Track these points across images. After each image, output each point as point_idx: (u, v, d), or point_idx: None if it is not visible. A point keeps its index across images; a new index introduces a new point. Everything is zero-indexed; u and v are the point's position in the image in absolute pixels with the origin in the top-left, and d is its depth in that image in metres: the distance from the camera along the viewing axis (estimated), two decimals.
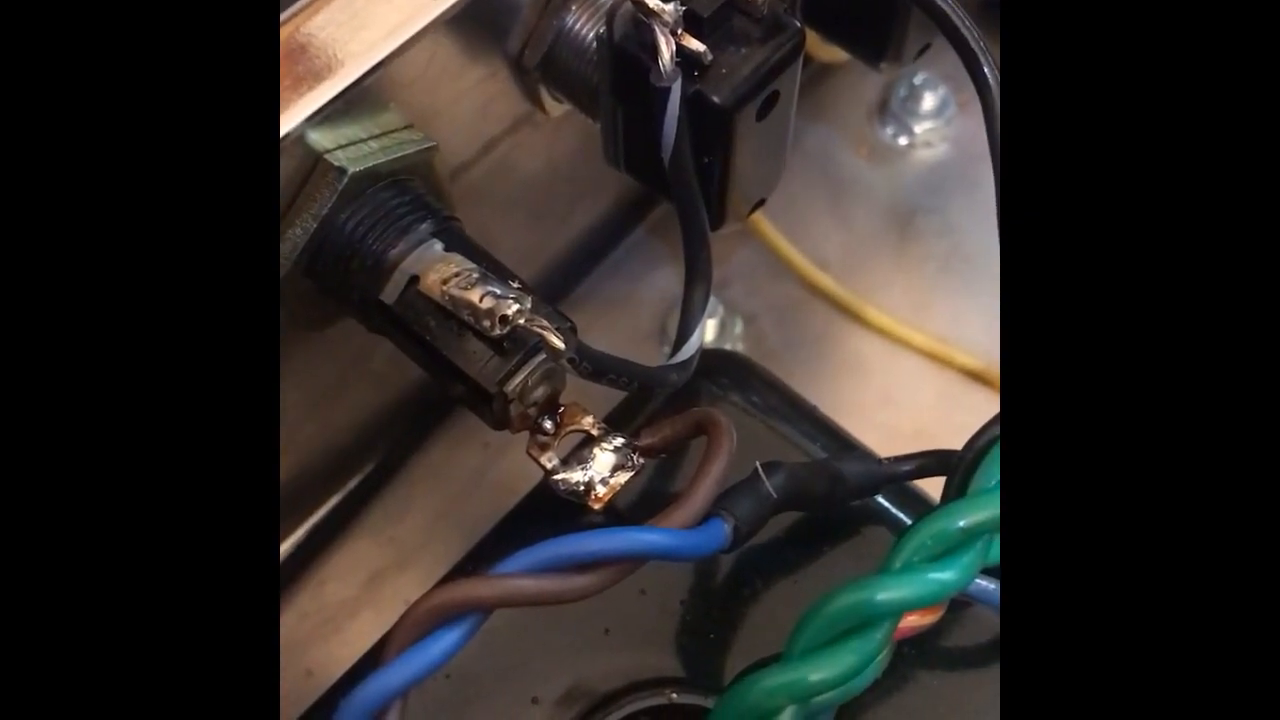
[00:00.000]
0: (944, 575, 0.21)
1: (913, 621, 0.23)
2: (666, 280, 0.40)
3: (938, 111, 0.42)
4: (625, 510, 0.28)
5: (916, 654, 0.26)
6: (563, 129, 0.32)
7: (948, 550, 0.22)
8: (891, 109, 0.42)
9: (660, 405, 0.30)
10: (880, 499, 0.28)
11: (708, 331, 0.38)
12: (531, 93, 0.29)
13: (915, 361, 0.39)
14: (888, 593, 0.21)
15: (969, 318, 0.39)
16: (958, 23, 0.25)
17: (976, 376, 0.38)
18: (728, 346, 0.38)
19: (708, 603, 0.27)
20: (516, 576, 0.21)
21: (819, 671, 0.21)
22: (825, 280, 0.39)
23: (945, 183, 0.41)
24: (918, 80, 0.42)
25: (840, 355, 0.39)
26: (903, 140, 0.42)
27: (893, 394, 0.38)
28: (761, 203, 0.29)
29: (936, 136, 0.42)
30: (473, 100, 0.28)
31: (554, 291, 0.38)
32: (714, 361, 0.31)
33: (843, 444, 0.30)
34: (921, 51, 0.32)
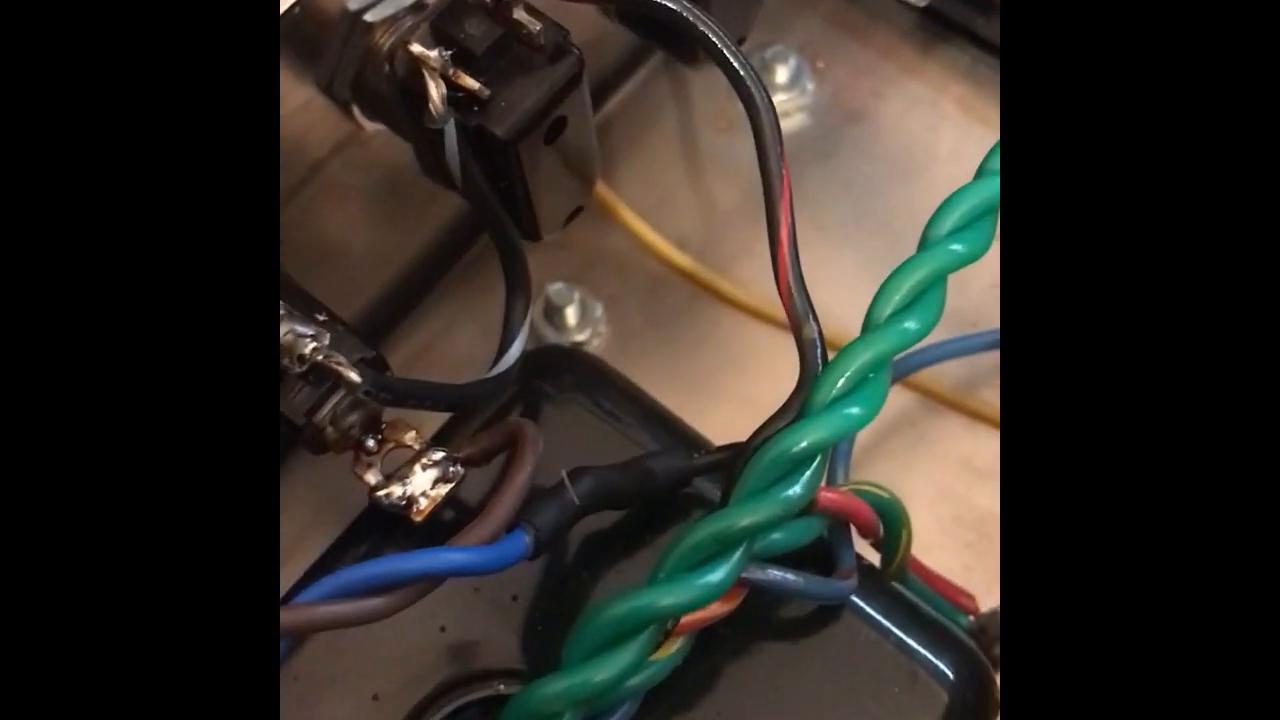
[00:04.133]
0: (709, 579, 0.23)
1: (703, 614, 0.25)
2: (534, 265, 0.41)
3: (791, 83, 0.43)
4: (460, 515, 0.30)
5: (730, 633, 0.28)
6: (392, 141, 0.33)
7: (711, 556, 0.23)
8: None
9: (503, 404, 0.32)
10: (706, 481, 0.30)
11: (568, 317, 0.40)
12: (349, 116, 0.30)
13: (772, 333, 0.40)
14: (654, 601, 0.23)
15: (823, 288, 0.40)
16: (725, 52, 0.26)
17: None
18: (588, 332, 0.40)
19: (538, 596, 0.29)
20: (313, 605, 0.23)
21: (598, 673, 0.23)
22: (683, 260, 0.41)
23: (801, 153, 0.43)
24: (768, 55, 0.42)
25: (699, 330, 0.40)
26: None
27: (750, 366, 0.40)
28: (579, 210, 0.31)
29: (792, 106, 0.43)
30: (291, 130, 0.30)
31: (419, 285, 0.40)
32: (553, 359, 0.33)
33: (679, 435, 0.32)
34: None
